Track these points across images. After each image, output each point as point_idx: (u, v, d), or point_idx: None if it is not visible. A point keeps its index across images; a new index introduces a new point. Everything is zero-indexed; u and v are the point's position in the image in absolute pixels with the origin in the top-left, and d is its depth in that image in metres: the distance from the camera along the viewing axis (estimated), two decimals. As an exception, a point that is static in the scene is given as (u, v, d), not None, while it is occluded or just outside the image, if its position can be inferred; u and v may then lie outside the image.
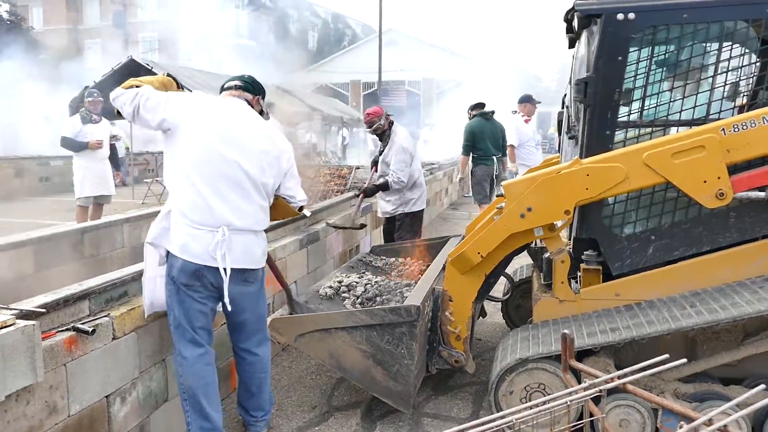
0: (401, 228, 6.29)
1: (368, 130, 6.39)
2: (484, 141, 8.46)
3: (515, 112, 9.55)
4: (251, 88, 3.44)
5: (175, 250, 3.09)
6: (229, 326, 3.42)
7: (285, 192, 3.43)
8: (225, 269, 3.08)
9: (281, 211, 3.54)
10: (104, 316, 2.94)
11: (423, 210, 6.50)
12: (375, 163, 6.55)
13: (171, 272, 3.11)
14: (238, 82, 3.43)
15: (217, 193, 3.08)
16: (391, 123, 6.28)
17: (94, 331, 2.75)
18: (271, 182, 3.30)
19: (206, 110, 3.18)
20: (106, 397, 2.92)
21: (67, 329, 2.72)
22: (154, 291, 3.18)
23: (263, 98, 3.48)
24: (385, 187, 6.12)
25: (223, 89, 3.48)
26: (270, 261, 3.71)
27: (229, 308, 3.17)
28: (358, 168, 9.68)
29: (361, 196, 6.25)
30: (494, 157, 8.53)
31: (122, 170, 15.70)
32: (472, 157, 8.56)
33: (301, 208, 3.58)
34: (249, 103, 3.38)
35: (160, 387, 3.35)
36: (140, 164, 17.65)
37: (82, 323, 2.79)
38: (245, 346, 3.41)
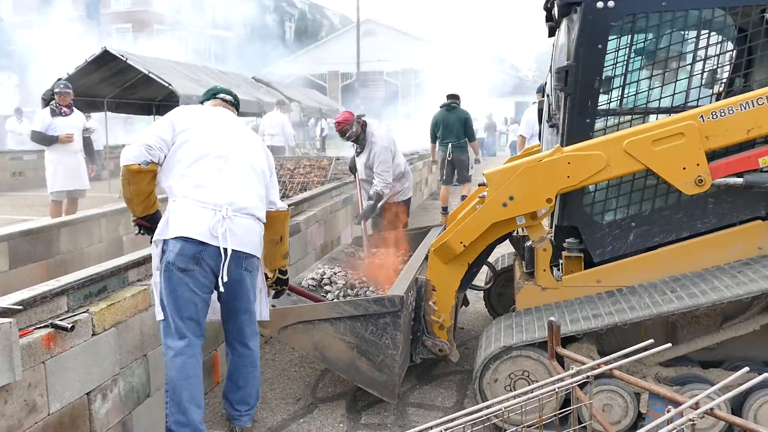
0: (388, 217, 6.22)
1: (342, 138, 6.11)
2: (441, 129, 9.71)
3: (535, 102, 10.04)
4: (237, 106, 3.68)
5: (176, 231, 3.05)
6: (223, 314, 3.38)
7: (268, 195, 3.46)
8: (225, 249, 3.07)
9: (275, 224, 3.54)
10: (83, 312, 2.88)
11: (410, 198, 6.47)
12: (353, 169, 6.40)
13: (168, 258, 3.06)
14: (229, 98, 3.64)
15: (221, 176, 3.17)
16: (364, 125, 6.02)
17: (73, 327, 2.70)
18: (267, 170, 3.46)
19: (204, 114, 3.39)
20: (87, 394, 2.86)
21: (45, 326, 2.66)
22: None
23: (237, 111, 3.71)
24: (379, 199, 5.93)
25: (212, 96, 3.62)
26: (298, 290, 4.07)
27: (222, 289, 3.14)
28: (338, 159, 9.63)
29: (362, 223, 5.95)
30: (450, 143, 9.64)
31: (97, 164, 15.46)
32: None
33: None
34: None
35: (141, 382, 3.30)
36: (117, 158, 17.39)
37: (61, 320, 2.73)
38: (238, 337, 3.38)
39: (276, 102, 13.81)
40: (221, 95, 3.62)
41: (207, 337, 3.88)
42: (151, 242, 3.24)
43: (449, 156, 9.64)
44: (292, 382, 4.24)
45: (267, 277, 3.66)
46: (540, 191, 3.52)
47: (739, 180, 3.39)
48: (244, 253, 3.19)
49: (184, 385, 3.07)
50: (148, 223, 3.25)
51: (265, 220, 3.37)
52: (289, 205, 5.41)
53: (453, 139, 9.61)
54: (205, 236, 3.05)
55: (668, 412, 1.75)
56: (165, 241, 3.10)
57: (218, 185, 3.14)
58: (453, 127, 9.62)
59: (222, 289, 3.15)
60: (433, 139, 9.91)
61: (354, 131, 5.93)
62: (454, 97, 9.64)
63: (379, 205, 6.00)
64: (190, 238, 3.04)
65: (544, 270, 3.71)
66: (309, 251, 5.95)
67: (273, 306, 3.88)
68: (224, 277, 3.10)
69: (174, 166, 3.16)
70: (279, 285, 3.74)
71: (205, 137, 3.23)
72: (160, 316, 3.14)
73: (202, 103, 3.65)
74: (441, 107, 9.76)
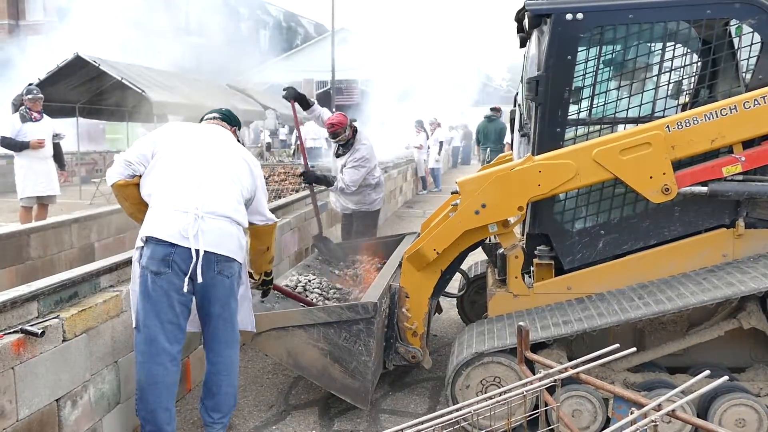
0: (360, 225, 6.25)
1: (332, 139, 6.12)
2: (482, 136, 13.21)
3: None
4: (228, 119, 3.69)
5: (147, 232, 3.10)
6: (200, 321, 3.37)
7: (258, 207, 3.49)
8: (197, 251, 3.07)
9: (263, 237, 3.58)
10: (54, 318, 2.86)
11: (379, 210, 6.51)
12: (309, 179, 6.37)
13: (141, 261, 3.10)
14: (216, 114, 3.69)
15: (194, 181, 3.19)
16: (355, 131, 6.03)
17: (43, 333, 2.68)
18: (248, 184, 3.39)
19: (189, 129, 3.46)
20: (57, 400, 2.84)
21: (14, 332, 2.64)
22: None
23: (239, 129, 3.73)
24: (327, 184, 5.95)
25: (201, 120, 3.71)
26: (282, 290, 4.19)
27: (194, 291, 3.15)
28: (313, 167, 9.64)
29: (315, 210, 5.94)
30: (488, 148, 12.58)
31: (67, 170, 15.26)
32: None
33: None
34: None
35: (112, 389, 3.27)
36: (87, 164, 17.16)
37: (31, 325, 2.71)
38: (212, 344, 3.35)
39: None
40: (209, 114, 3.69)
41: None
42: None
43: (488, 158, 12.08)
44: (265, 389, 4.23)
45: (253, 279, 3.71)
46: (512, 199, 3.58)
47: (704, 189, 3.49)
48: (217, 255, 3.16)
49: (152, 390, 3.08)
50: None
51: (245, 225, 3.36)
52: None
53: (491, 144, 12.69)
54: (174, 237, 3.05)
55: (632, 413, 1.80)
56: (141, 247, 3.13)
57: (191, 189, 3.16)
58: (491, 134, 12.94)
59: (194, 291, 3.15)
60: (477, 143, 13.72)
61: (346, 135, 5.96)
62: (495, 110, 12.95)
63: (347, 212, 6.12)
64: (161, 240, 3.05)
65: (516, 277, 3.77)
66: (283, 258, 5.95)
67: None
68: (198, 277, 3.09)
69: (150, 174, 3.22)
70: (265, 285, 3.84)
71: (184, 147, 3.28)
72: (135, 324, 3.16)
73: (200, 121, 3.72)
74: (484, 118, 13.19)
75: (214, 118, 3.66)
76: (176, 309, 3.11)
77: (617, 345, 2.28)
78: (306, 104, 5.93)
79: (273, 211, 5.97)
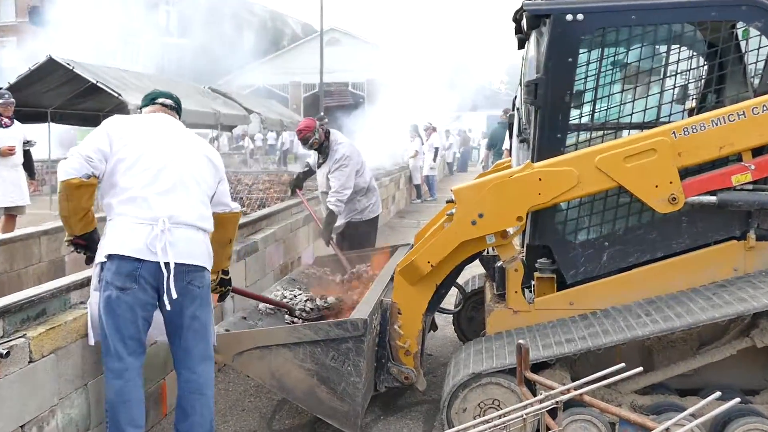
0: (354, 241, 6.11)
1: (305, 147, 6.12)
2: (494, 141, 13.72)
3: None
4: (179, 110, 3.63)
5: (111, 249, 3.05)
6: (169, 334, 3.33)
7: (221, 198, 3.48)
8: (167, 264, 3.05)
9: (227, 225, 3.56)
10: (20, 337, 2.82)
11: (378, 216, 6.39)
12: (298, 185, 6.46)
13: (105, 277, 3.06)
14: (170, 101, 3.58)
15: (156, 189, 3.14)
16: (327, 133, 6.01)
17: (8, 353, 2.64)
18: (211, 180, 3.40)
19: (141, 124, 3.38)
20: (21, 426, 2.79)
21: (-23, 353, 2.60)
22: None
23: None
24: (332, 217, 5.83)
25: (151, 101, 3.58)
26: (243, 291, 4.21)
27: (168, 307, 3.11)
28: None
29: (332, 244, 5.88)
30: (502, 154, 12.22)
31: (37, 179, 15.19)
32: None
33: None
34: None
35: (82, 414, 3.23)
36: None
37: (-5, 346, 2.67)
38: (183, 360, 3.31)
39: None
40: (161, 100, 3.57)
41: (156, 364, 3.84)
42: (86, 262, 3.28)
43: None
44: (246, 413, 4.19)
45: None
46: (510, 208, 3.57)
47: (713, 198, 3.49)
48: (188, 266, 3.17)
49: (123, 407, 3.07)
50: (84, 242, 3.23)
51: (212, 229, 3.36)
52: (246, 224, 5.41)
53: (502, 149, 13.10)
54: (141, 252, 3.04)
55: (639, 438, 1.79)
56: (103, 262, 3.10)
57: (155, 199, 3.13)
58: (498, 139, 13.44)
59: (168, 307, 3.12)
60: (488, 147, 14.52)
61: (317, 138, 5.90)
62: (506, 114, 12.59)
63: (338, 224, 5.97)
64: (126, 256, 3.03)
65: (516, 292, 3.76)
66: (267, 272, 5.92)
67: (227, 330, 3.85)
68: (172, 293, 3.07)
69: (111, 181, 3.16)
70: (222, 286, 3.72)
71: (142, 150, 3.21)
72: (92, 341, 3.16)
73: (140, 109, 3.63)
74: (498, 123, 13.72)
75: (169, 106, 3.55)
76: (139, 324, 3.12)
77: (623, 365, 2.26)
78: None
79: (256, 221, 6.02)
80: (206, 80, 20.09)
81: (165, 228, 3.08)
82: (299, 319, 4.38)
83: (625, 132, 3.71)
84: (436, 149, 17.22)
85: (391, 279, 4.21)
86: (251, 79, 34.03)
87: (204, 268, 3.28)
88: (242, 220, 5.92)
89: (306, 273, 5.42)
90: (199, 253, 3.25)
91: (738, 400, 2.06)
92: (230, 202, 3.58)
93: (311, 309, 4.48)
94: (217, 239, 3.47)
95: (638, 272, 3.65)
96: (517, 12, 4.00)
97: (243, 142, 27.46)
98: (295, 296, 4.64)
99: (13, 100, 7.99)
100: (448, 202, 4.38)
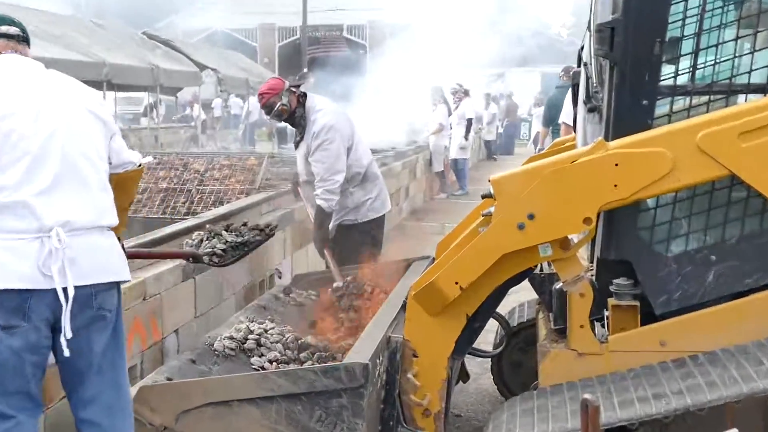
0: (347, 247, 6.14)
1: (269, 117, 6.15)
2: (556, 112, 11.55)
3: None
4: (28, 39, 3.56)
5: None
6: (66, 383, 3.36)
7: (120, 157, 3.55)
8: (66, 290, 3.05)
9: (128, 185, 3.67)
10: None
11: (383, 217, 6.42)
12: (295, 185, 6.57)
13: None
14: (17, 30, 3.49)
15: (37, 186, 3.10)
16: (302, 97, 5.95)
17: None
18: (102, 146, 3.40)
19: None
20: None
21: None
22: None
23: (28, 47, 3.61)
24: (323, 216, 5.91)
25: None
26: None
27: (67, 352, 3.12)
28: (272, 157, 9.67)
29: (325, 253, 5.99)
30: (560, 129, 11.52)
31: None
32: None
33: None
34: None
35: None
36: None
37: None
38: (86, 414, 3.33)
39: None
40: (3, 28, 3.44)
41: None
42: None
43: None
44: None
45: None
46: (574, 207, 3.58)
47: None
48: (95, 287, 3.20)
49: None
50: None
51: (116, 222, 3.39)
52: (196, 227, 5.41)
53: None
54: (31, 281, 3.04)
55: None
56: None
57: (38, 201, 3.09)
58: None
59: (66, 352, 3.13)
60: (546, 123, 12.91)
61: (285, 104, 5.82)
62: (568, 74, 11.72)
63: (332, 226, 5.97)
64: (8, 289, 3.02)
65: (582, 326, 3.76)
66: (226, 296, 5.94)
67: (169, 379, 3.87)
68: (67, 332, 3.09)
69: None
70: None
71: (10, 126, 3.13)
72: None
73: None
74: (557, 88, 12.61)
75: (9, 36, 3.43)
76: (27, 373, 3.13)
77: (736, 430, 2.26)
78: None
79: (213, 222, 6.03)
80: (141, 23, 20.19)
81: (61, 242, 3.07)
82: (214, 264, 4.52)
83: (741, 97, 3.70)
84: (469, 121, 16.97)
85: (403, 307, 4.22)
86: (204, 22, 34.13)
87: (115, 284, 3.32)
88: (191, 222, 5.98)
89: (279, 298, 5.43)
90: (109, 264, 3.28)
91: None
92: (132, 156, 3.64)
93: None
94: (116, 203, 3.48)
95: (758, 299, 3.64)
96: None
97: (192, 111, 27.49)
98: (266, 331, 4.66)
99: None
100: (484, 197, 4.39)
